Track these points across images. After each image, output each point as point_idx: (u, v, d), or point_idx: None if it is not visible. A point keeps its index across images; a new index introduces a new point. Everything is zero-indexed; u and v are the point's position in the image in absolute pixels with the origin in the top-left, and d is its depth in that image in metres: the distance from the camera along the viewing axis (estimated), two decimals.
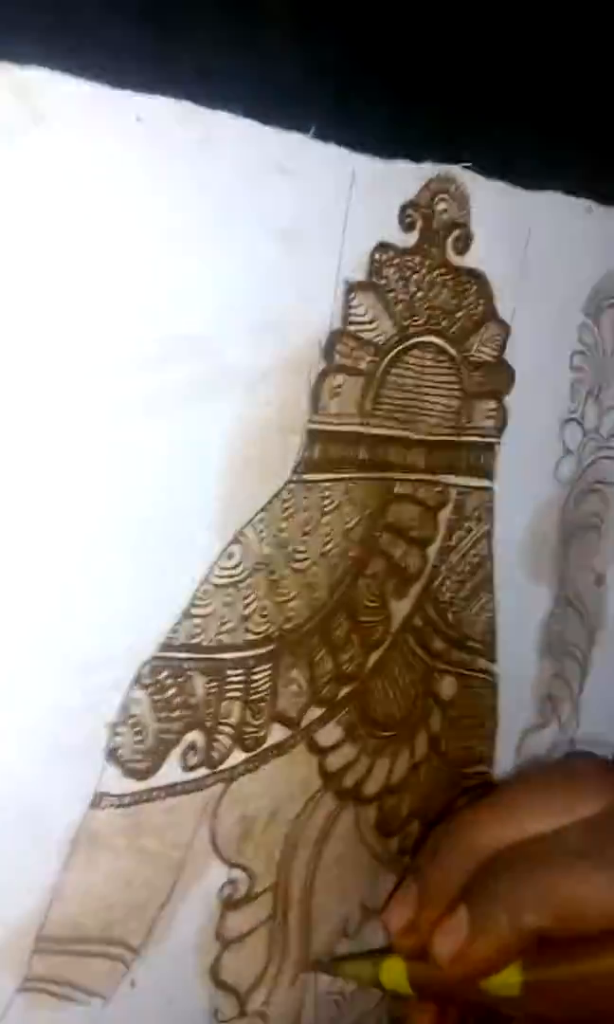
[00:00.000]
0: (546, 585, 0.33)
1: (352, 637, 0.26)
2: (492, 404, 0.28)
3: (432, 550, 0.28)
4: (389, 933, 0.27)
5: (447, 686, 0.29)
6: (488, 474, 0.29)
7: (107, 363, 0.19)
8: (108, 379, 0.19)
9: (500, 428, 0.29)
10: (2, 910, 0.20)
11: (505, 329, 0.28)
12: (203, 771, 0.22)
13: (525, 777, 0.31)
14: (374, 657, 0.26)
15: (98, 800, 0.20)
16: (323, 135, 0.22)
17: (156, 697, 0.21)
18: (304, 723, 0.25)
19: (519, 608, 0.32)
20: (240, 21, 0.20)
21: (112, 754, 0.21)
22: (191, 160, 0.20)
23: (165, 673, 0.21)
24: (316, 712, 0.25)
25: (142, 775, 0.21)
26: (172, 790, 0.22)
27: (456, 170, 0.25)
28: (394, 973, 0.26)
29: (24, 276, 0.17)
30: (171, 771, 0.22)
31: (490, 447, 0.29)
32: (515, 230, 0.28)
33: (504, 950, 0.24)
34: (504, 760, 0.32)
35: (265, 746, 0.24)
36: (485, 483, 0.29)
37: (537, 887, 0.24)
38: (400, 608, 0.27)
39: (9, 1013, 0.20)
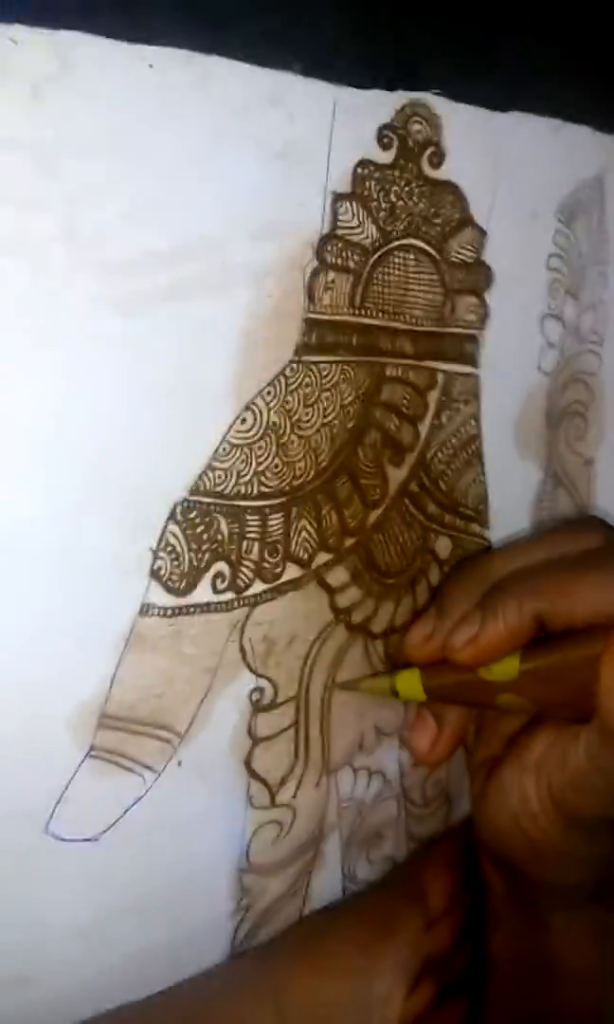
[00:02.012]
0: (536, 464, 0.37)
1: (354, 496, 0.31)
2: (473, 299, 0.33)
3: (423, 426, 0.33)
4: (409, 647, 0.31)
5: (443, 546, 0.34)
6: (473, 362, 0.34)
7: (129, 260, 0.24)
8: (133, 273, 0.24)
9: (482, 321, 0.33)
10: (74, 690, 0.25)
11: (481, 233, 0.32)
12: (230, 595, 0.28)
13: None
14: (374, 515, 0.32)
15: (145, 609, 0.26)
16: (307, 72, 0.27)
17: (188, 532, 0.27)
18: (314, 565, 0.30)
19: (510, 483, 0.37)
20: None
21: (155, 573, 0.26)
22: (193, 95, 0.25)
23: (194, 513, 0.27)
24: (325, 557, 0.30)
25: (180, 593, 0.27)
26: (205, 608, 0.27)
27: (427, 96, 0.30)
28: (409, 681, 0.31)
29: (56, 183, 0.23)
30: (204, 592, 0.27)
31: (473, 338, 0.33)
32: (487, 146, 0.32)
33: (511, 631, 0.29)
34: None
35: (282, 580, 0.29)
36: (470, 369, 0.34)
37: (539, 579, 0.29)
38: (397, 474, 0.32)
39: (79, 776, 0.26)
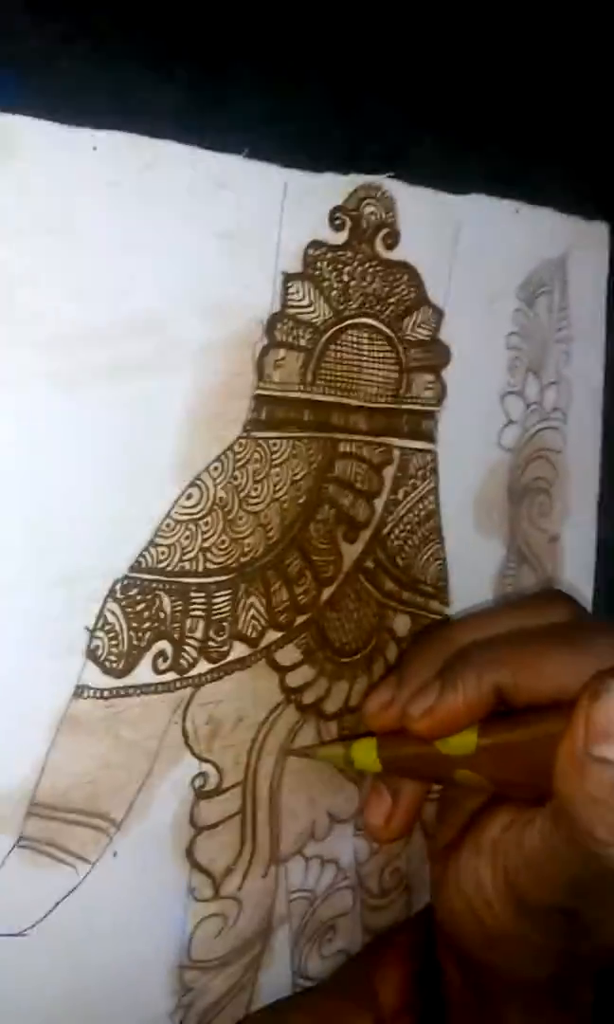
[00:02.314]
0: (498, 540, 0.37)
1: (305, 572, 0.30)
2: (430, 377, 0.33)
3: (379, 502, 0.32)
4: (367, 715, 0.30)
5: (401, 623, 0.34)
6: (430, 438, 0.33)
7: (69, 337, 0.24)
8: (76, 351, 0.24)
9: (439, 398, 0.33)
10: (2, 776, 0.24)
11: (438, 312, 0.32)
12: (172, 675, 0.27)
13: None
14: (328, 591, 0.31)
15: (80, 691, 0.25)
16: (256, 154, 0.27)
17: (128, 610, 0.26)
18: (263, 643, 0.29)
19: (472, 559, 0.36)
20: (183, 68, 0.25)
21: (91, 653, 0.25)
22: (141, 179, 0.25)
23: (135, 590, 0.26)
24: (275, 635, 0.30)
25: (118, 674, 0.26)
26: (145, 689, 0.27)
27: (382, 179, 0.30)
28: (365, 750, 0.30)
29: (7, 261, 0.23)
30: (144, 673, 0.27)
31: (430, 415, 0.33)
32: (443, 228, 0.32)
33: (469, 703, 0.28)
34: None
35: (228, 659, 0.28)
36: (427, 446, 0.33)
37: (502, 650, 0.28)
38: (351, 550, 0.32)
39: (5, 867, 0.25)
